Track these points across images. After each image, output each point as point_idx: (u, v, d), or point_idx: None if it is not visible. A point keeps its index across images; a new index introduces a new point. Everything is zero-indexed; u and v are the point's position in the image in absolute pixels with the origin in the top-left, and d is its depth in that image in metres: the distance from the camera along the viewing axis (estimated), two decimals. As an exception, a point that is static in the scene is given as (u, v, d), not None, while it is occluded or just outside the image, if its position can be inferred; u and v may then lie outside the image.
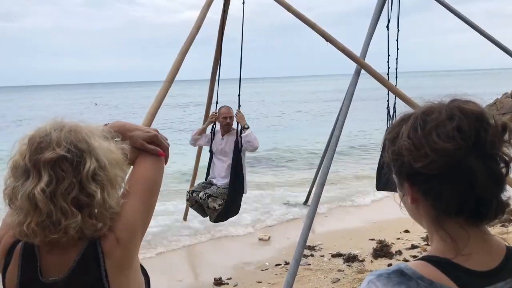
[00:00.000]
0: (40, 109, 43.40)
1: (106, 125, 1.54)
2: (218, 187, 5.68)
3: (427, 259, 1.03)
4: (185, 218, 8.43)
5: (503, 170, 1.01)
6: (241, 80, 5.80)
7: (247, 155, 6.05)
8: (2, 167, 1.42)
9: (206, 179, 6.02)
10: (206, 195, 5.60)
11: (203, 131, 6.16)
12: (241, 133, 5.59)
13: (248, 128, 5.60)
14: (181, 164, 12.33)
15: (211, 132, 6.02)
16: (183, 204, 8.36)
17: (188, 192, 5.97)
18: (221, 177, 5.78)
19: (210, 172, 5.99)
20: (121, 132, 1.51)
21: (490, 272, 1.02)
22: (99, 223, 1.34)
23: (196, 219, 8.52)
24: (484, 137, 0.99)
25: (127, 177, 1.49)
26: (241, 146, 5.59)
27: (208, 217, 5.85)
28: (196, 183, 6.75)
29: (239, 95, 5.70)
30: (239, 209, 5.85)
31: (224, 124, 5.82)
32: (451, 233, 1.03)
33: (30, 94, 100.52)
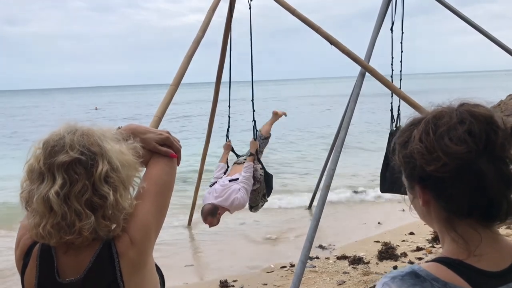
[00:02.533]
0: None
1: (119, 128, 1.57)
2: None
3: (440, 260, 1.05)
4: (189, 223, 8.43)
5: None
6: (252, 83, 5.85)
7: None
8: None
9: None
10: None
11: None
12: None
13: (251, 156, 5.60)
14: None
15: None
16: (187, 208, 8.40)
17: None
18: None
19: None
20: (134, 135, 1.54)
21: (502, 272, 1.03)
22: (112, 224, 1.37)
23: (200, 223, 8.55)
24: (494, 140, 1.01)
25: (141, 176, 1.52)
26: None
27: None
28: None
29: (252, 100, 5.81)
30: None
31: None
32: (462, 235, 1.04)
33: (37, 97, 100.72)
